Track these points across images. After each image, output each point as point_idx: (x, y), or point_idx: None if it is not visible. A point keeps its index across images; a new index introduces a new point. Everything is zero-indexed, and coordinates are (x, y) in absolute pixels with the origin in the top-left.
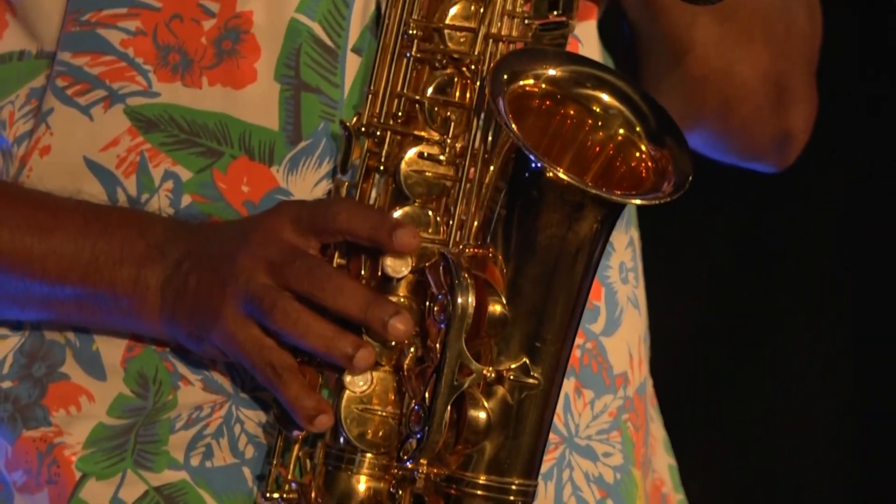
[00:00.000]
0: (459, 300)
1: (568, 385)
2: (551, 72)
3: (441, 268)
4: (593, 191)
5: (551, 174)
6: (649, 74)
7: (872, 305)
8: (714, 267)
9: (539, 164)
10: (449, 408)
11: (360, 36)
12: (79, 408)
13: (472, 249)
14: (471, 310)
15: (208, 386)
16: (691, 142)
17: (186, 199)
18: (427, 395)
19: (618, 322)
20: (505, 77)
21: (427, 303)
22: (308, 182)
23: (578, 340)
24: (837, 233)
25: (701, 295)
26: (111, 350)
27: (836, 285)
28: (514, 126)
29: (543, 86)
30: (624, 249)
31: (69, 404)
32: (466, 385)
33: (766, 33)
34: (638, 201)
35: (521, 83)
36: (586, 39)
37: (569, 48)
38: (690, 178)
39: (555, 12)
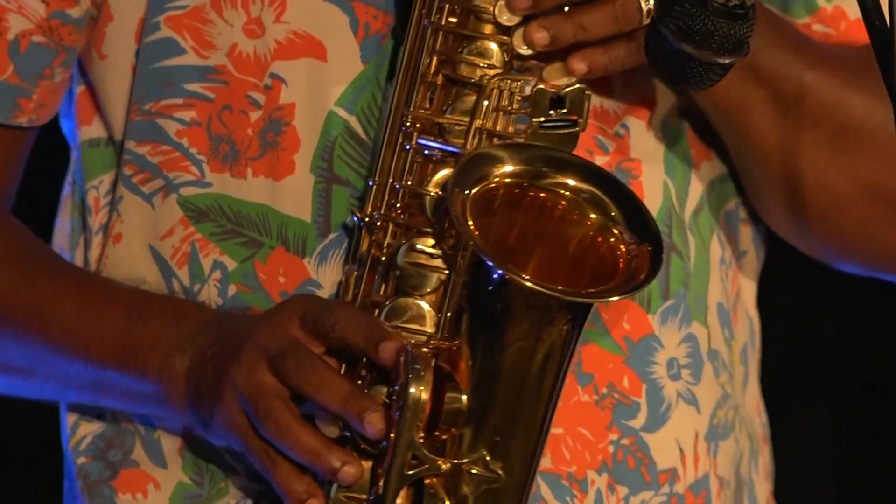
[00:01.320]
0: (412, 390)
1: (601, 481)
2: (508, 168)
3: (402, 359)
4: (557, 294)
5: (512, 278)
6: (750, 190)
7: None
8: None
9: (500, 273)
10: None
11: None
12: (145, 494)
13: (441, 343)
14: (423, 401)
15: (251, 473)
16: (814, 254)
17: (232, 289)
18: (381, 484)
19: (664, 417)
20: (468, 180)
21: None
22: (336, 274)
23: (612, 436)
24: None
25: None
26: (170, 438)
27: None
28: (475, 233)
29: (508, 180)
30: (676, 346)
31: (136, 490)
32: (414, 474)
33: (867, 142)
34: (615, 297)
35: (487, 182)
36: (636, 131)
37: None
38: (659, 266)
39: (561, 109)
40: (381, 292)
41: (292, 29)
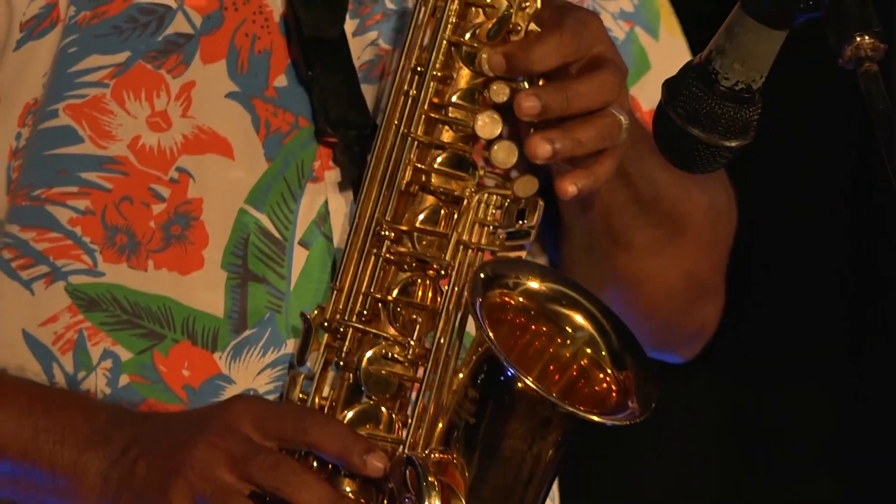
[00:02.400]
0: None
1: None
2: (531, 284)
3: (407, 470)
4: (567, 407)
5: (523, 385)
6: (581, 270)
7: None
8: None
9: (512, 374)
10: None
11: (308, 230)
12: None
13: (436, 454)
14: None
15: None
16: None
17: (124, 380)
18: None
19: None
20: (484, 284)
21: (384, 502)
22: (251, 370)
23: None
24: None
25: None
26: None
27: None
28: (490, 333)
29: (520, 298)
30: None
31: None
32: None
33: (696, 235)
34: (607, 421)
35: (499, 292)
36: None
37: None
38: (654, 403)
39: (521, 221)
40: (332, 396)
41: (198, 124)
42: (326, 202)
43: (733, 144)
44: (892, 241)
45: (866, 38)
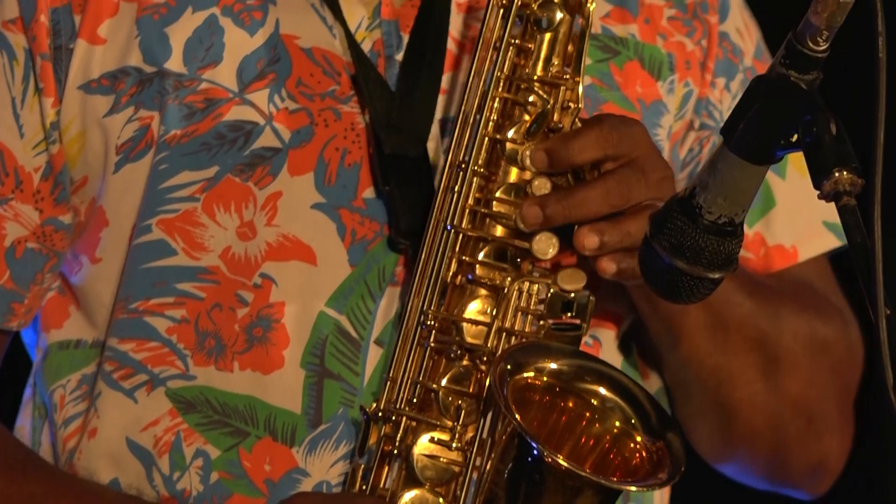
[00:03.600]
0: None
1: None
2: (553, 365)
3: None
4: (592, 477)
5: (550, 459)
6: (683, 410)
7: None
8: None
9: (538, 450)
10: None
11: (384, 329)
12: None
13: None
14: None
15: None
16: (726, 470)
17: (214, 477)
18: None
19: None
20: (509, 368)
21: None
22: (325, 463)
23: None
24: None
25: None
26: None
27: None
28: (515, 414)
29: (546, 378)
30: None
31: None
32: None
33: (792, 365)
34: (633, 488)
35: (525, 375)
36: (606, 342)
37: (587, 350)
38: (683, 468)
39: (569, 314)
40: (391, 485)
41: (283, 233)
42: (403, 303)
43: (716, 276)
44: None
45: (844, 173)
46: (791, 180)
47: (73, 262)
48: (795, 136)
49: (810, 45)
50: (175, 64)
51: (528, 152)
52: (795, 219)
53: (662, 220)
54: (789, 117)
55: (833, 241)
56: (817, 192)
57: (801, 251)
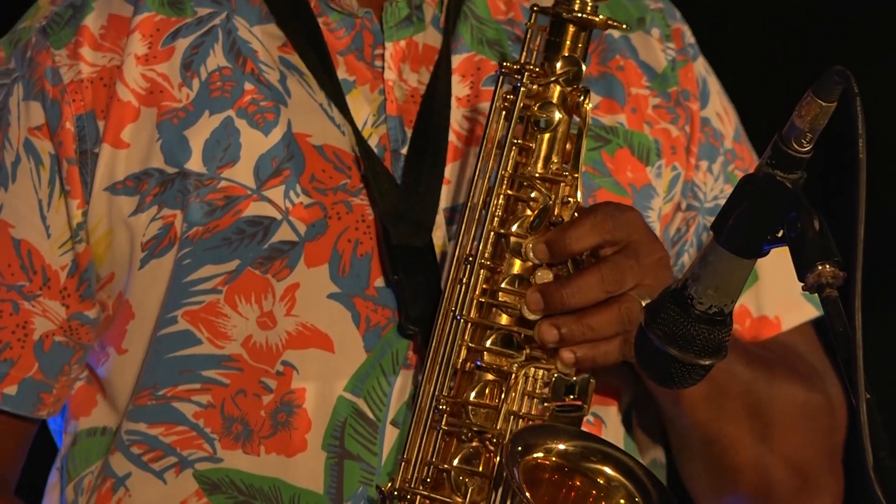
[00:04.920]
0: None
1: None
2: (560, 446)
3: None
4: None
5: None
6: (685, 467)
7: None
8: None
9: None
10: None
11: (399, 410)
12: None
13: None
14: None
15: None
16: None
17: None
18: None
19: None
20: (519, 449)
21: None
22: None
23: None
24: None
25: None
26: None
27: None
28: (526, 492)
29: (553, 458)
30: None
31: None
32: None
33: (789, 429)
34: None
35: (535, 455)
36: (609, 420)
37: (590, 428)
38: None
39: (571, 396)
40: None
41: (302, 322)
42: (416, 383)
43: (707, 363)
44: None
45: (827, 266)
46: (772, 255)
47: (101, 353)
48: (781, 232)
49: (795, 146)
50: (195, 164)
51: (531, 245)
52: (778, 291)
53: (657, 310)
54: (775, 214)
55: (812, 311)
56: (801, 284)
57: (783, 321)
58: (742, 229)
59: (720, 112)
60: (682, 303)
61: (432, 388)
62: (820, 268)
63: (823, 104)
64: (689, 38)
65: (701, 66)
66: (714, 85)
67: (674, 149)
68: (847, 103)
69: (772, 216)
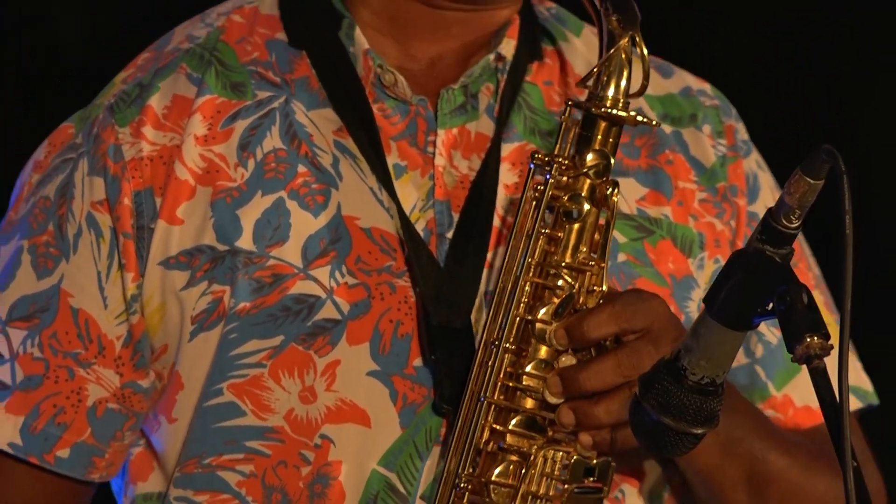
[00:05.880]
0: None
1: None
2: None
3: None
4: None
5: None
6: None
7: None
8: None
9: None
10: None
11: (429, 485)
12: None
13: None
14: None
15: None
16: None
17: None
18: None
19: None
20: None
21: None
22: None
23: None
24: None
25: None
26: None
27: None
28: None
29: None
30: None
31: None
32: None
33: None
34: None
35: None
36: (630, 501)
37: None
38: None
39: (591, 478)
40: None
41: (341, 397)
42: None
43: (699, 431)
44: None
45: (815, 338)
46: None
47: (154, 422)
48: (771, 305)
49: (784, 222)
50: (245, 242)
51: (554, 331)
52: None
53: (651, 380)
54: (765, 288)
55: (855, 403)
56: (791, 356)
57: None
58: (733, 302)
59: (770, 206)
60: (675, 374)
61: (455, 467)
62: (808, 339)
63: (812, 182)
64: (743, 134)
65: (753, 161)
66: (766, 181)
67: (717, 242)
68: (834, 180)
69: (762, 290)
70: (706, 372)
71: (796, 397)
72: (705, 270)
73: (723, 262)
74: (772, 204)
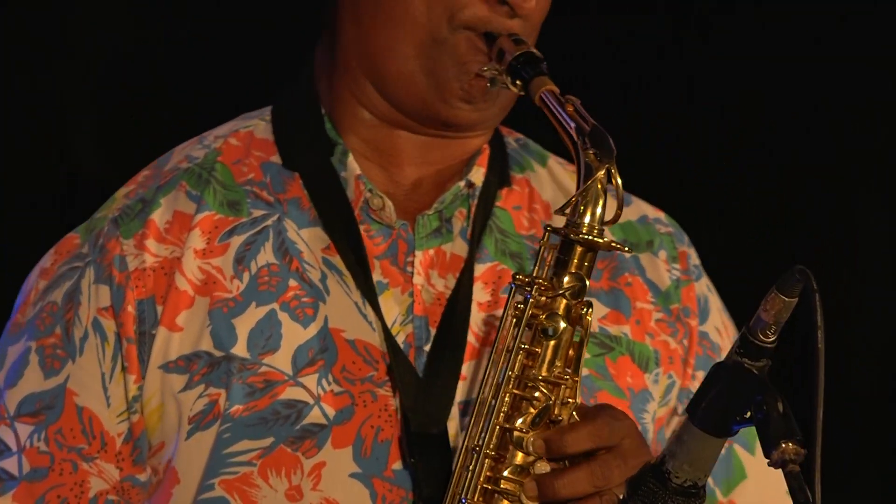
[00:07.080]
0: None
1: None
2: None
3: None
4: None
5: None
6: None
7: None
8: None
9: None
10: None
11: None
12: None
13: None
14: None
15: None
16: None
17: None
18: None
19: None
20: None
21: None
22: None
23: None
24: None
25: None
26: None
27: None
28: None
29: None
30: None
31: None
32: None
33: None
34: None
35: None
36: None
37: None
38: None
39: None
40: None
41: (325, 497)
42: None
43: None
44: None
45: (790, 444)
46: (759, 456)
47: None
48: (749, 413)
49: (761, 337)
50: (240, 350)
51: (531, 440)
52: (764, 489)
53: (637, 483)
54: (743, 398)
55: None
56: (767, 461)
57: None
58: (714, 411)
59: (719, 327)
60: (660, 477)
61: None
62: (783, 445)
63: (786, 300)
64: (695, 260)
65: (703, 285)
66: (715, 303)
67: (671, 359)
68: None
69: (740, 399)
70: (689, 475)
71: (739, 502)
72: (660, 385)
73: (676, 379)
74: (720, 325)
